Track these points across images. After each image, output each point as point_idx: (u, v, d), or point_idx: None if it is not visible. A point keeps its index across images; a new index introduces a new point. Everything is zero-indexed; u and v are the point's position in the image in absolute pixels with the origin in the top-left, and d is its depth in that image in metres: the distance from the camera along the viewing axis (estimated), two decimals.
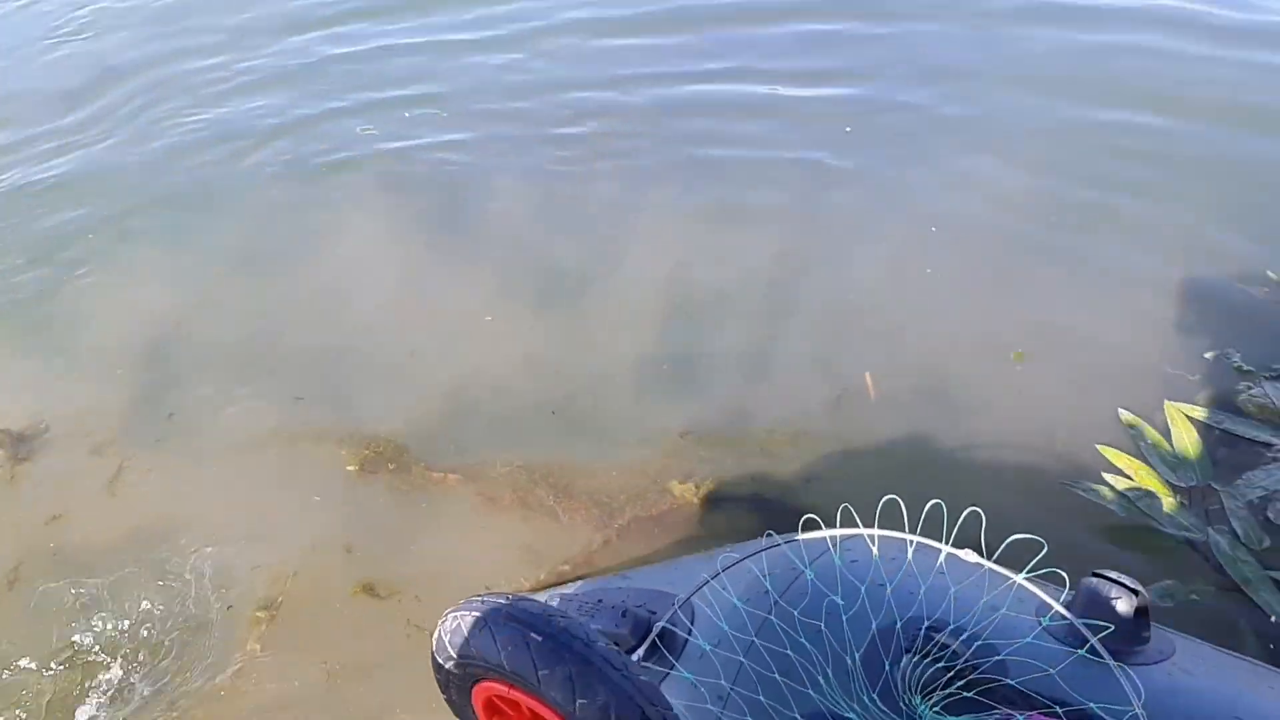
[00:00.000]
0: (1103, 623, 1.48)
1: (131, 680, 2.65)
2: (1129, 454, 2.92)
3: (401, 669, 2.59)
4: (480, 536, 2.91)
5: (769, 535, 1.70)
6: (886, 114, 4.52)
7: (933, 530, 1.62)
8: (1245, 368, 3.16)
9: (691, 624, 1.80)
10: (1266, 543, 2.62)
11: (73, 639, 2.75)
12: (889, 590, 1.63)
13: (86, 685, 2.65)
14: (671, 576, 2.07)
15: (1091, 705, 1.35)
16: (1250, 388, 3.09)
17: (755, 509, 2.90)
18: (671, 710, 1.29)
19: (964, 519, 1.59)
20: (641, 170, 4.35)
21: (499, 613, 1.31)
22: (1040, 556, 1.50)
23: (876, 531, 1.65)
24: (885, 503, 1.67)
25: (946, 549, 1.57)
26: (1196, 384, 3.14)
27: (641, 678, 1.29)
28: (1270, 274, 3.53)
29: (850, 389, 3.25)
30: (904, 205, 4.02)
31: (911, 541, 1.62)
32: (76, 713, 2.59)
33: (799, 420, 3.16)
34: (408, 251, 4.08)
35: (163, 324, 3.83)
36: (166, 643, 2.73)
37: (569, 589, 2.20)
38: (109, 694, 2.62)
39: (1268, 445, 2.89)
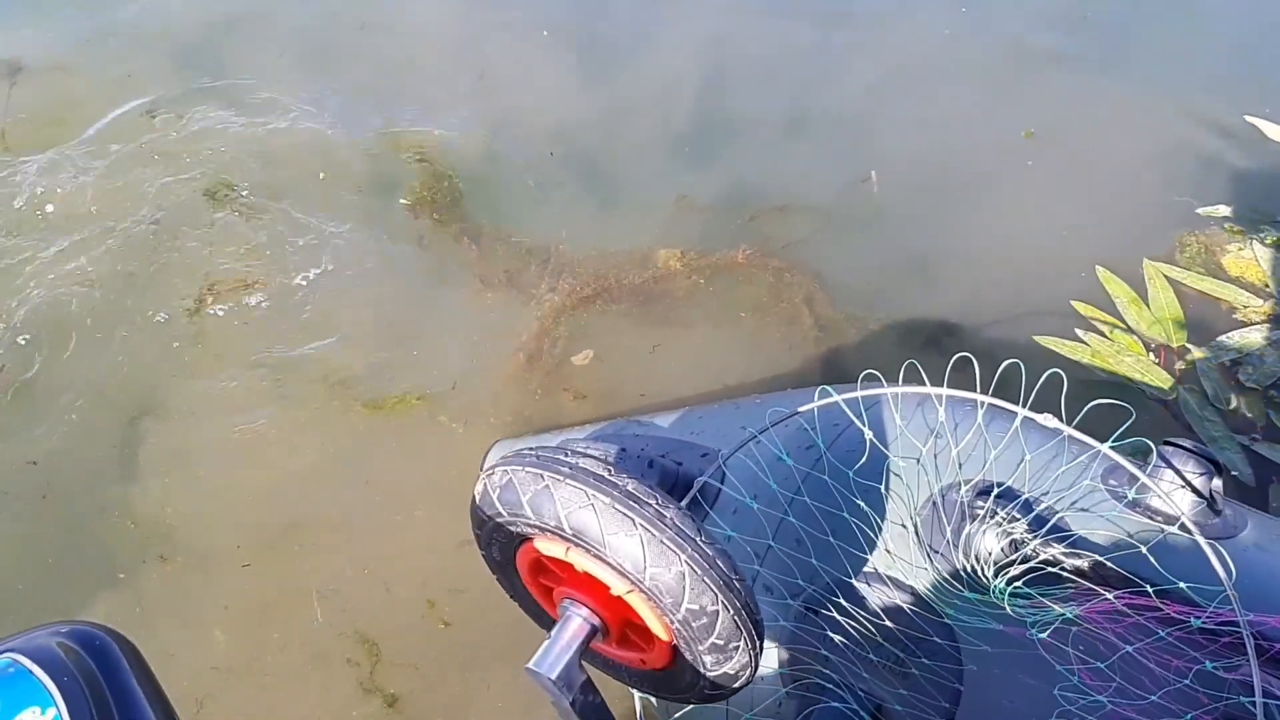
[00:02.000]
0: (1191, 497, 1.39)
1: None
2: (1104, 310, 2.87)
3: None
4: (473, 315, 2.98)
5: (822, 389, 1.55)
6: None
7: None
8: (1236, 228, 3.09)
9: (724, 475, 1.68)
10: (1234, 404, 2.64)
11: None
12: (954, 452, 1.51)
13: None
14: (693, 425, 1.93)
15: (1181, 585, 1.27)
16: (1241, 249, 3.04)
17: (736, 282, 3.00)
18: (745, 579, 1.18)
19: (1042, 381, 1.45)
20: None
21: (560, 469, 1.16)
22: (1126, 425, 1.38)
23: (945, 391, 1.51)
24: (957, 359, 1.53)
25: (1023, 412, 1.44)
26: (1185, 234, 3.08)
27: (717, 544, 1.16)
28: None
29: (855, 177, 3.31)
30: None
31: (983, 403, 1.49)
32: None
33: (795, 201, 3.23)
34: None
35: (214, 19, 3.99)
36: None
37: (580, 433, 2.05)
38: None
39: (1244, 307, 2.87)
